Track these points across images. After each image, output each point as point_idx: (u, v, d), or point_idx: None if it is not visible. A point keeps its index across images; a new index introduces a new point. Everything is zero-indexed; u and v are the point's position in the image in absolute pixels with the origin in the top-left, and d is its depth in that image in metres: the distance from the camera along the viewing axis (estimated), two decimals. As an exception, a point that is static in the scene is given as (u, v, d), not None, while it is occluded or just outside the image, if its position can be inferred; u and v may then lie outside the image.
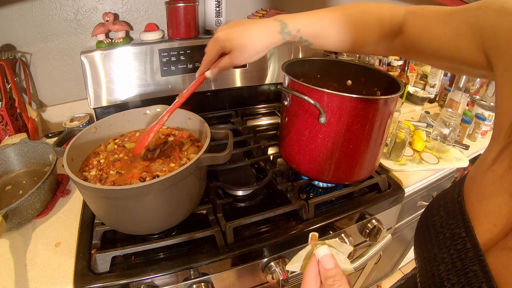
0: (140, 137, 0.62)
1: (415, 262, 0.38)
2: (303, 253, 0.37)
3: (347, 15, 0.51)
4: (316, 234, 0.38)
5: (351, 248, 0.38)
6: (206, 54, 0.54)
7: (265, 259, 0.65)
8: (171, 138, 0.69)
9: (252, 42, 0.50)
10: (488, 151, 0.33)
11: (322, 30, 0.52)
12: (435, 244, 0.33)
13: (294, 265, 0.38)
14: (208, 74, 0.55)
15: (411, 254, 1.42)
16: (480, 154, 1.13)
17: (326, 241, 0.36)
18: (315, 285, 0.33)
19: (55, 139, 0.74)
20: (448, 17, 0.39)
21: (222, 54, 0.53)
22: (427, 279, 0.32)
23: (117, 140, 0.69)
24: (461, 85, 1.15)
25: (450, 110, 0.96)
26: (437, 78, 1.26)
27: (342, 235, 0.73)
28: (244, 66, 1.07)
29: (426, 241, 0.35)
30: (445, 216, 0.33)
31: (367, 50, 0.55)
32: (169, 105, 0.76)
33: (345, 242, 0.73)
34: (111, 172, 0.60)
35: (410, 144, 0.98)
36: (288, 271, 0.66)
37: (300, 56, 1.16)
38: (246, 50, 0.51)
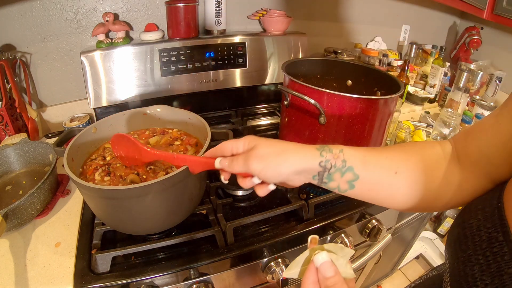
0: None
1: (446, 262, 0.38)
2: (301, 258, 0.35)
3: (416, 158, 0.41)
4: (316, 237, 0.36)
5: (352, 252, 0.35)
6: (231, 167, 0.42)
7: (265, 259, 0.65)
8: (177, 142, 0.69)
9: (286, 171, 0.41)
10: None
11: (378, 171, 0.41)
12: (471, 245, 0.33)
13: (291, 271, 0.35)
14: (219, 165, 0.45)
15: (411, 254, 1.42)
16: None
17: (325, 246, 0.34)
18: None
19: (55, 139, 0.74)
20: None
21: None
22: (459, 278, 0.33)
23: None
24: (461, 85, 1.15)
25: (450, 110, 0.96)
26: (437, 78, 1.26)
27: (342, 235, 0.73)
28: (244, 66, 1.07)
29: (461, 242, 0.34)
30: (483, 219, 0.33)
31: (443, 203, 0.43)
32: (170, 105, 0.76)
33: (345, 243, 0.73)
34: (118, 165, 0.61)
35: (410, 144, 0.98)
36: (286, 278, 0.65)
37: (300, 56, 1.16)
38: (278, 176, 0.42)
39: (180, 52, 0.96)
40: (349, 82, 0.84)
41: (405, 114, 1.23)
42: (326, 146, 0.42)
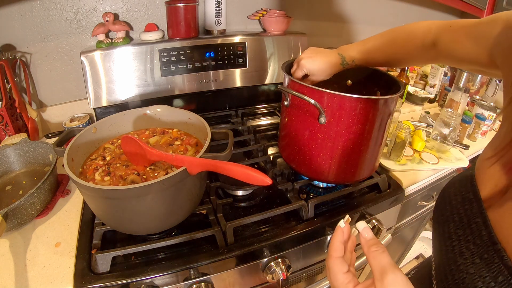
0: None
1: (432, 232, 0.44)
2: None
3: (389, 40, 0.65)
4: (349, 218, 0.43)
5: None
6: (296, 70, 0.72)
7: (265, 259, 0.65)
8: (177, 142, 0.69)
9: (321, 71, 0.70)
10: (496, 136, 0.40)
11: (370, 57, 0.68)
12: (448, 208, 0.40)
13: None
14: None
15: (411, 254, 1.42)
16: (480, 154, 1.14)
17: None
18: (341, 252, 0.39)
19: (55, 139, 0.74)
20: (472, 30, 0.48)
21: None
22: (439, 236, 0.40)
23: (118, 142, 0.69)
24: (461, 85, 1.15)
25: (450, 110, 0.96)
26: (437, 78, 1.26)
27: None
28: (244, 66, 1.07)
29: (442, 207, 0.42)
30: (459, 186, 0.41)
31: (408, 64, 0.69)
32: (170, 105, 0.76)
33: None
34: (118, 165, 0.61)
35: (410, 144, 0.98)
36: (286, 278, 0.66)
37: (300, 56, 1.16)
38: (318, 75, 0.71)
39: (180, 52, 0.96)
40: (349, 82, 0.84)
41: (405, 114, 1.23)
42: (344, 60, 0.69)
